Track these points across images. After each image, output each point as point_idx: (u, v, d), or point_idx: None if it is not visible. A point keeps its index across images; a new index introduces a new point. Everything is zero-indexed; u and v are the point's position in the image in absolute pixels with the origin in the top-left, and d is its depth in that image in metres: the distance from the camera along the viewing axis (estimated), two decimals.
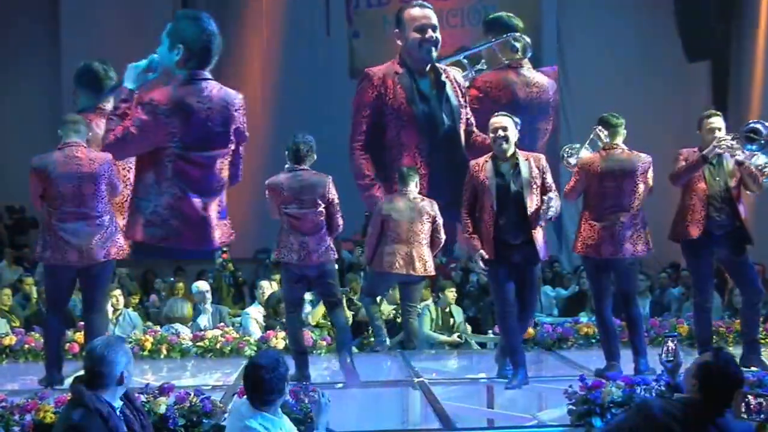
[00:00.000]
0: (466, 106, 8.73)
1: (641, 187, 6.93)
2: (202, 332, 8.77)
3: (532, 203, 6.64)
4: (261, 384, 4.41)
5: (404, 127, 8.49)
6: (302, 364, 6.94)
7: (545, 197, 6.62)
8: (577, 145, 7.50)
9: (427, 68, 8.53)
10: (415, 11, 8.52)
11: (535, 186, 6.66)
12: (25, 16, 14.35)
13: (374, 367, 8.10)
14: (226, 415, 5.52)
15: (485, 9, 14.02)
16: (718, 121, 7.08)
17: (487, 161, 6.77)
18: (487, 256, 6.69)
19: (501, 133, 6.74)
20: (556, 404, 6.20)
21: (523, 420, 6.03)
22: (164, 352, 8.31)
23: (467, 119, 8.72)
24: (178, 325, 8.95)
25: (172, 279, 11.30)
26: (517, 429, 5.88)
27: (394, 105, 8.45)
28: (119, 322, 9.37)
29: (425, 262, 8.39)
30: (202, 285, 9.82)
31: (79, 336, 7.88)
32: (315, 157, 7.12)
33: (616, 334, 7.29)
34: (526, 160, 6.74)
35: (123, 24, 15.56)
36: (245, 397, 4.60)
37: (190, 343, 8.47)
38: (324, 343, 8.68)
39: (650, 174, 6.98)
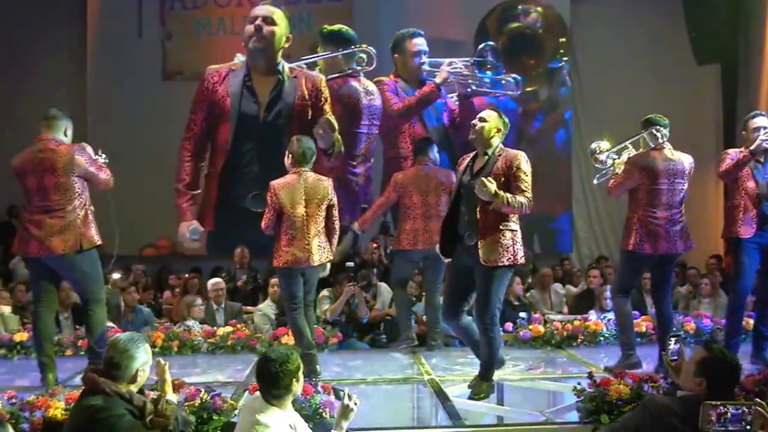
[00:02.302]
0: (306, 107, 8.71)
1: (687, 186, 7.05)
2: (214, 329, 8.82)
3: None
4: (269, 377, 4.43)
5: (220, 123, 8.49)
6: (310, 360, 6.93)
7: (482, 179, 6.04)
8: (607, 144, 7.47)
9: (274, 68, 8.59)
10: (254, 9, 8.76)
11: (497, 182, 6.06)
12: (51, 19, 14.35)
13: (385, 364, 8.13)
14: (236, 412, 5.56)
15: (300, 16, 14.33)
16: (762, 121, 7.19)
17: (470, 156, 6.45)
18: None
19: (474, 121, 6.36)
20: (565, 401, 6.25)
21: (533, 417, 6.05)
22: (175, 348, 8.37)
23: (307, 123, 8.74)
24: (190, 321, 9.00)
25: (186, 275, 11.31)
26: (526, 426, 5.89)
27: (215, 100, 8.45)
28: (132, 318, 9.42)
29: None
30: (217, 282, 9.85)
31: None
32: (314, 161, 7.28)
33: (634, 326, 7.40)
34: (499, 156, 6.22)
35: (153, 30, 15.63)
36: (258, 392, 4.62)
37: (202, 340, 8.52)
38: (335, 340, 8.71)
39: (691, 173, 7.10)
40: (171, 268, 12.81)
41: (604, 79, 14.32)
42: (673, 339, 4.94)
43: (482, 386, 6.45)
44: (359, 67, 10.84)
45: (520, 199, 6.10)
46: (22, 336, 8.28)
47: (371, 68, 10.90)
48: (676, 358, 4.89)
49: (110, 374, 4.38)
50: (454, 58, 11.68)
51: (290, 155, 7.14)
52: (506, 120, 6.40)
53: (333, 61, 10.89)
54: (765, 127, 7.11)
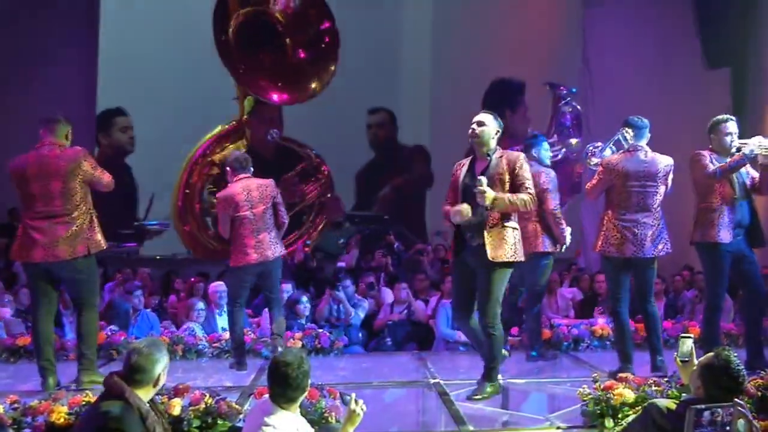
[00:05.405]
0: None
1: (662, 189, 7.01)
2: (219, 333, 8.81)
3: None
4: (287, 381, 4.44)
5: None
6: (241, 353, 7.75)
7: (480, 178, 6.21)
8: (601, 144, 7.49)
9: None
10: None
11: (498, 184, 6.32)
12: (61, 7, 14.32)
13: (390, 368, 8.14)
14: (241, 417, 5.56)
15: None
16: (733, 126, 7.11)
17: (468, 160, 6.61)
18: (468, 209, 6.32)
19: (473, 125, 6.49)
20: (570, 405, 6.24)
21: (537, 421, 6.04)
22: (180, 352, 8.33)
23: None
24: (191, 324, 8.99)
25: (192, 279, 11.32)
26: (531, 430, 5.89)
27: None
28: (137, 322, 9.41)
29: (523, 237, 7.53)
30: (218, 284, 9.83)
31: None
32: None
33: (631, 336, 7.31)
34: (499, 157, 6.43)
35: (162, 20, 15.66)
36: (267, 395, 4.63)
37: (207, 344, 8.51)
38: (341, 344, 8.70)
39: (671, 176, 7.03)
40: (178, 272, 12.81)
41: (615, 81, 14.35)
42: (684, 340, 4.92)
43: (485, 387, 6.52)
44: None
45: (523, 196, 6.34)
46: (24, 340, 8.17)
47: None
48: (687, 359, 4.87)
49: (134, 378, 4.35)
50: None
51: (228, 167, 7.74)
52: (501, 122, 6.54)
53: None
54: (736, 132, 7.06)
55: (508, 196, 6.28)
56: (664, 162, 7.03)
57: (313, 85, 15.31)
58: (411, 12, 19.56)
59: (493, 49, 17.07)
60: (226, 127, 15.22)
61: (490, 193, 6.19)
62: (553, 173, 7.90)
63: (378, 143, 18.76)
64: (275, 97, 15.21)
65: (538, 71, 15.71)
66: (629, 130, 7.08)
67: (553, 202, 7.75)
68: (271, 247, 7.58)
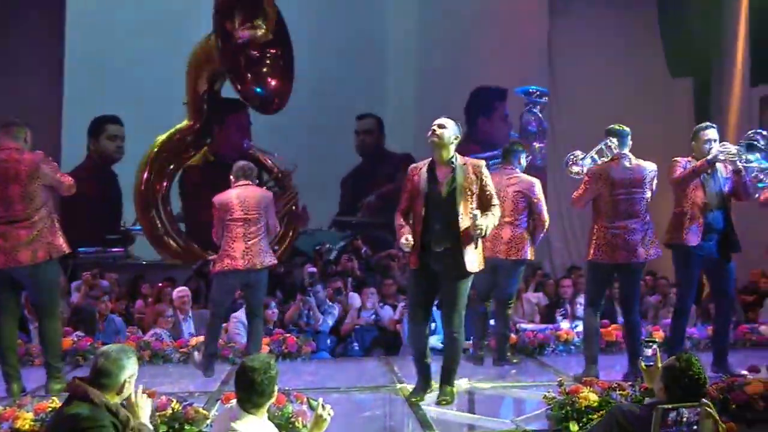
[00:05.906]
0: None
1: (648, 194, 7.11)
2: (186, 338, 8.78)
3: (465, 211, 6.37)
4: (253, 386, 4.43)
5: None
6: (211, 360, 7.73)
7: (474, 212, 6.29)
8: (581, 154, 7.54)
9: None
10: None
11: (469, 193, 6.39)
12: (28, 14, 14.15)
13: (357, 373, 8.15)
14: (208, 422, 5.55)
15: None
16: (713, 133, 7.22)
17: (425, 165, 6.57)
18: (412, 242, 6.36)
19: (433, 127, 6.49)
20: (536, 409, 6.29)
21: (503, 425, 6.08)
22: (147, 358, 8.27)
23: None
24: (158, 330, 8.95)
25: (160, 284, 11.27)
26: None
27: None
28: (104, 327, 9.37)
29: (512, 244, 7.78)
30: (181, 290, 9.81)
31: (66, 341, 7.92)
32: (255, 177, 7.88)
33: (598, 341, 7.47)
34: (464, 164, 6.46)
35: (132, 23, 15.51)
36: (234, 400, 4.62)
37: (174, 349, 8.48)
38: (308, 349, 8.70)
39: (655, 181, 7.15)
40: (146, 277, 12.74)
41: (580, 90, 14.45)
42: (649, 344, 4.97)
43: (446, 389, 6.61)
44: None
45: (496, 213, 6.52)
46: None
47: None
48: (651, 364, 4.93)
49: (98, 382, 4.30)
50: None
51: (231, 176, 7.73)
52: (460, 129, 6.57)
53: None
54: (716, 140, 7.18)
55: (492, 219, 6.41)
56: (649, 168, 7.14)
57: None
58: (397, 20, 19.63)
59: (477, 57, 17.14)
60: (180, 127, 15.08)
61: (484, 225, 6.29)
62: (539, 182, 7.98)
63: (365, 149, 18.75)
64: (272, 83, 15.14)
65: (517, 79, 15.86)
66: (613, 139, 7.16)
67: (546, 212, 7.89)
68: (260, 256, 7.55)
